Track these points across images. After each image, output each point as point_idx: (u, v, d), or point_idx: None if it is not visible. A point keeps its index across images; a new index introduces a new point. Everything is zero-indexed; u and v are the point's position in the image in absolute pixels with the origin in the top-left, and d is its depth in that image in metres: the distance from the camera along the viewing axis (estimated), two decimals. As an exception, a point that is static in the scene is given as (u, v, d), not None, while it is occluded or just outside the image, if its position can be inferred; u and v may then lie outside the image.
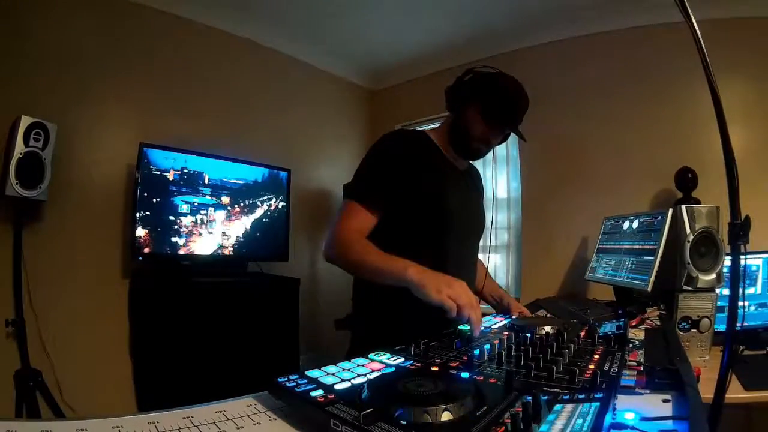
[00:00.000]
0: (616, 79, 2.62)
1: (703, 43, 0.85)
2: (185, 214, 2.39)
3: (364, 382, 0.51)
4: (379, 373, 0.56)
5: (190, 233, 2.41)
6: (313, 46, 3.24)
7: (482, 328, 0.88)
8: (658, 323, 1.21)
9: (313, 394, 0.47)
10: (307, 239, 3.30)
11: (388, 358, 0.64)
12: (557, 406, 0.44)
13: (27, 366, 1.84)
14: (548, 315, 1.42)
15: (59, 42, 2.13)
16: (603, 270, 1.97)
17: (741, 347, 1.63)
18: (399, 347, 0.70)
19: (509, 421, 0.38)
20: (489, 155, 1.23)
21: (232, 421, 0.45)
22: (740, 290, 0.91)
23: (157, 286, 2.22)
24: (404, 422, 0.39)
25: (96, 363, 2.19)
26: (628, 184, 2.50)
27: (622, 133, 2.58)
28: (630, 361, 0.66)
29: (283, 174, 2.90)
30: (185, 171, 2.40)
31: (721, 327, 1.31)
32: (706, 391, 0.81)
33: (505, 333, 0.84)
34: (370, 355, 0.66)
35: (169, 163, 2.33)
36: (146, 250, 2.23)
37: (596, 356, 0.65)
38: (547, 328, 0.83)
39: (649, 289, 1.53)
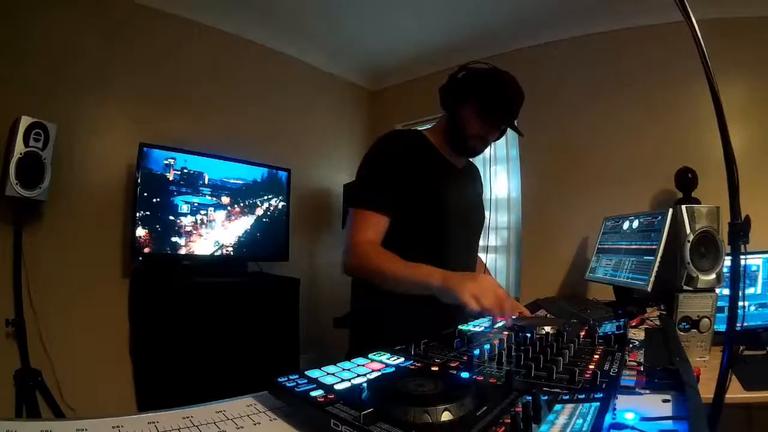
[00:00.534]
0: (616, 79, 2.62)
1: (703, 43, 0.85)
2: (185, 214, 2.39)
3: (364, 382, 0.51)
4: (379, 373, 0.56)
5: (190, 233, 2.41)
6: (313, 46, 3.24)
7: (511, 318, 0.89)
8: (658, 323, 1.21)
9: (313, 394, 0.47)
10: (307, 239, 3.30)
11: (388, 358, 0.64)
12: (557, 406, 0.44)
13: (27, 366, 1.84)
14: (548, 315, 1.42)
15: (59, 42, 2.13)
16: (603, 270, 1.97)
17: (741, 347, 1.63)
18: (399, 347, 0.70)
19: (509, 421, 0.38)
20: (486, 154, 1.23)
21: (232, 421, 0.45)
22: (740, 290, 0.91)
23: (157, 286, 2.22)
24: (404, 422, 0.39)
25: (96, 363, 2.19)
26: (628, 184, 2.50)
27: (622, 132, 2.58)
28: (630, 361, 0.66)
29: (282, 174, 2.90)
30: (185, 171, 2.40)
31: (721, 327, 1.32)
32: (706, 391, 0.80)
33: (505, 333, 0.84)
34: (370, 355, 0.65)
35: (169, 163, 2.33)
36: (146, 250, 2.24)
37: (596, 356, 0.65)
38: (547, 328, 0.83)
39: (649, 289, 1.53)
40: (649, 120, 2.50)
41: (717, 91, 0.86)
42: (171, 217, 2.34)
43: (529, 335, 0.78)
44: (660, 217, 1.66)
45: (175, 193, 2.36)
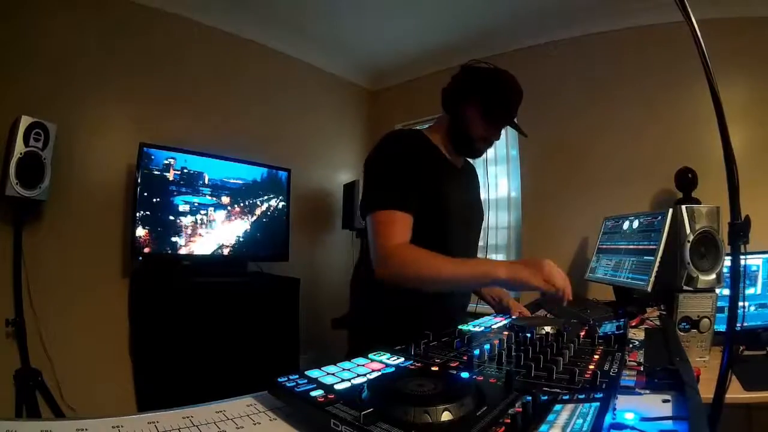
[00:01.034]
0: (616, 79, 2.62)
1: (703, 43, 0.85)
2: (185, 214, 2.39)
3: (364, 382, 0.51)
4: (379, 373, 0.56)
5: (190, 233, 2.41)
6: (313, 46, 3.24)
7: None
8: (658, 323, 1.21)
9: (313, 394, 0.47)
10: (307, 239, 3.30)
11: (388, 358, 0.64)
12: (557, 406, 0.44)
13: (27, 366, 1.84)
14: (548, 315, 1.42)
15: (59, 42, 2.13)
16: (603, 270, 1.97)
17: (741, 347, 1.63)
18: (399, 347, 0.70)
19: (509, 421, 0.38)
20: (486, 153, 1.24)
21: (232, 421, 0.45)
22: (740, 290, 0.91)
23: (157, 286, 2.22)
24: (404, 422, 0.39)
25: (96, 363, 2.19)
26: (628, 184, 2.50)
27: (622, 133, 2.58)
28: (630, 361, 0.66)
29: (282, 174, 2.90)
30: (185, 171, 2.40)
31: (721, 327, 1.32)
32: (706, 391, 0.80)
33: (505, 333, 0.84)
34: (370, 355, 0.66)
35: (168, 163, 2.33)
36: (146, 250, 2.24)
37: (596, 356, 0.65)
38: (547, 328, 0.83)
39: (649, 289, 1.53)
40: (649, 120, 2.50)
41: (717, 91, 0.86)
42: (171, 217, 2.34)
43: (529, 335, 0.78)
44: (660, 217, 1.66)
45: (175, 193, 2.36)
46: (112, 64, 2.31)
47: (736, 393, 1.31)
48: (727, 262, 1.46)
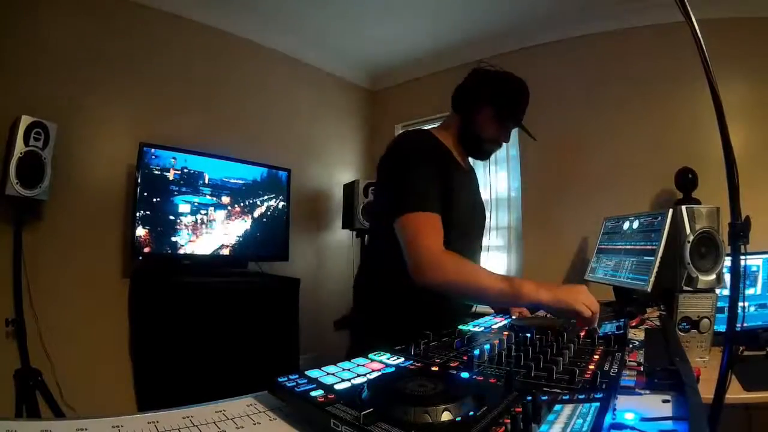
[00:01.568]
0: (616, 79, 2.62)
1: (703, 43, 0.85)
2: (185, 214, 2.39)
3: (364, 382, 0.51)
4: (379, 373, 0.56)
5: (190, 233, 2.41)
6: (314, 46, 3.24)
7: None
8: (658, 323, 1.21)
9: (313, 394, 0.47)
10: (307, 239, 3.30)
11: (388, 358, 0.64)
12: (557, 407, 0.44)
13: (27, 366, 1.84)
14: (548, 315, 1.42)
15: (59, 42, 2.13)
16: (603, 270, 1.97)
17: (741, 348, 1.63)
18: (399, 347, 0.70)
19: (509, 421, 0.38)
20: None
21: (232, 420, 0.45)
22: (740, 291, 0.91)
23: (157, 286, 2.22)
24: (404, 422, 0.39)
25: (96, 363, 2.19)
26: (628, 184, 2.50)
27: (622, 133, 2.58)
28: (630, 361, 0.66)
29: (282, 174, 2.90)
30: (185, 171, 2.40)
31: (721, 327, 1.32)
32: (706, 391, 0.80)
33: (505, 333, 0.84)
34: (370, 355, 0.66)
35: (169, 163, 2.33)
36: (146, 249, 2.24)
37: (596, 356, 0.65)
38: (548, 328, 0.83)
39: (649, 290, 1.53)
40: (649, 120, 2.50)
41: (717, 91, 0.86)
42: (171, 217, 2.34)
43: (529, 335, 0.78)
44: (660, 218, 1.66)
45: (176, 193, 2.36)
46: (113, 64, 2.31)
47: (735, 393, 1.31)
48: (727, 262, 1.46)
